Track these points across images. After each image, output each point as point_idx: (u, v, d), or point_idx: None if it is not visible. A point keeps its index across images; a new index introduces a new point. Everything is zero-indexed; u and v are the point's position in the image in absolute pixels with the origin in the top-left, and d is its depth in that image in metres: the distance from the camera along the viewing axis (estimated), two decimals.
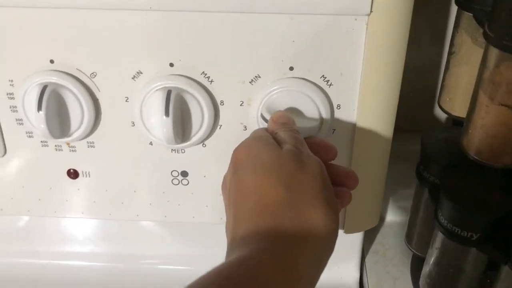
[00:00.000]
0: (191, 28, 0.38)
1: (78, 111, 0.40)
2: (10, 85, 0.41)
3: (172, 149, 0.43)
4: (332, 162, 0.36)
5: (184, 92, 0.39)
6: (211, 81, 0.40)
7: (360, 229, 0.47)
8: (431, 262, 0.46)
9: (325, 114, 0.40)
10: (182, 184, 0.45)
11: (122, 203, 0.46)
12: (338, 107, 0.40)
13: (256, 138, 0.35)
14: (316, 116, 0.40)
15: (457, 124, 0.47)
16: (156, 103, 0.39)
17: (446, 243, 0.43)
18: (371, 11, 0.36)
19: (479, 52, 0.37)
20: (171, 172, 0.44)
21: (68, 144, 0.43)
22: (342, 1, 0.36)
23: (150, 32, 0.38)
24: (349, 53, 0.38)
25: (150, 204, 0.46)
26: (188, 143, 0.42)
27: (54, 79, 0.39)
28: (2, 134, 0.43)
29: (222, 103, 0.40)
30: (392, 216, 0.56)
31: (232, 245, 0.31)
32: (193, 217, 0.46)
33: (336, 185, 0.35)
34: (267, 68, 0.39)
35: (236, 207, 0.32)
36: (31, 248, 0.53)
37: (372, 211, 0.46)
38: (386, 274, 0.53)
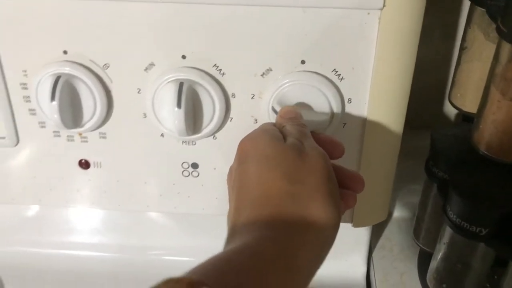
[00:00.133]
0: (204, 21, 0.38)
1: (91, 102, 0.41)
2: (24, 75, 0.41)
3: (183, 141, 0.43)
4: (341, 159, 0.36)
5: (196, 84, 0.39)
6: (223, 74, 0.40)
7: (369, 223, 0.47)
8: (439, 257, 0.46)
9: (336, 108, 0.40)
10: (192, 176, 0.45)
11: (132, 194, 0.46)
12: (349, 101, 0.40)
13: (262, 131, 0.35)
14: (327, 110, 0.40)
15: (467, 120, 0.47)
16: (168, 95, 0.39)
17: (454, 238, 0.43)
18: (384, 5, 0.36)
19: (492, 47, 0.37)
20: (182, 164, 0.44)
21: (80, 134, 0.43)
22: None
23: (163, 24, 0.38)
24: (361, 47, 0.38)
25: (160, 195, 0.46)
26: (199, 135, 0.42)
27: (67, 69, 0.40)
28: (15, 124, 0.43)
29: (233, 96, 0.41)
30: (400, 212, 0.57)
31: (233, 232, 0.31)
32: (203, 209, 0.46)
33: (342, 187, 0.35)
34: (279, 61, 0.39)
35: (239, 197, 0.32)
36: (41, 238, 0.54)
37: (380, 205, 0.46)
38: (393, 269, 0.53)
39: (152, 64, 0.40)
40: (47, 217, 0.52)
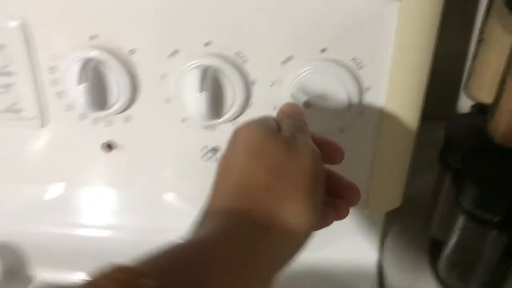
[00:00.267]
0: (227, 8, 0.39)
1: (117, 86, 0.42)
2: (52, 59, 0.43)
3: (203, 126, 0.44)
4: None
5: (219, 70, 0.41)
6: (245, 61, 0.41)
7: (383, 210, 0.48)
8: (451, 245, 0.47)
9: (355, 96, 0.41)
10: (212, 160, 0.46)
11: (153, 177, 0.48)
12: (368, 90, 0.41)
13: (258, 121, 0.34)
14: (346, 98, 0.41)
15: (482, 112, 0.48)
16: (192, 80, 0.40)
17: (467, 226, 0.44)
18: None
19: (509, 39, 0.38)
20: (202, 149, 0.46)
21: (105, 118, 0.45)
22: None
23: (188, 11, 0.39)
24: (381, 36, 0.38)
25: (181, 179, 0.47)
26: (219, 120, 0.43)
27: (94, 54, 0.41)
28: (42, 106, 0.45)
29: (254, 83, 0.42)
30: (413, 200, 0.57)
31: (204, 215, 0.30)
32: None
33: (337, 197, 0.34)
34: (299, 49, 0.40)
35: (219, 182, 0.31)
36: (65, 219, 0.55)
37: (395, 191, 0.47)
38: (405, 256, 0.54)
39: (176, 50, 0.41)
40: (70, 198, 0.53)
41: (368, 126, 0.43)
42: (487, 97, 0.45)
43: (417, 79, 0.41)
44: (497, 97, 0.39)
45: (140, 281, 0.23)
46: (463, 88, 0.47)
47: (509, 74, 0.37)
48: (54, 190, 0.52)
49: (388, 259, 0.54)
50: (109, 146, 0.46)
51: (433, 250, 0.53)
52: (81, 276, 0.23)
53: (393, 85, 0.41)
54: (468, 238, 0.45)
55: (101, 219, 0.56)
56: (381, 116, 0.42)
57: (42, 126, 0.46)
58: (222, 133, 0.45)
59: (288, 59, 0.40)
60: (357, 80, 0.41)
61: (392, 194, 0.47)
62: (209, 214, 0.30)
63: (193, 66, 0.41)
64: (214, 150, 0.46)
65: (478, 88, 0.46)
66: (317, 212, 0.30)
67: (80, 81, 0.41)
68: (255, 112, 0.43)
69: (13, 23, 0.41)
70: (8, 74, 0.43)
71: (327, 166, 0.34)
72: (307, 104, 0.41)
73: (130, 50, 0.41)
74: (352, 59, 0.40)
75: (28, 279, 0.53)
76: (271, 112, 0.43)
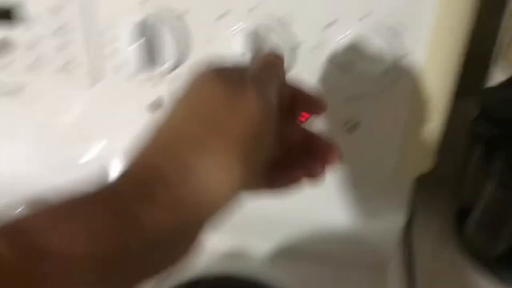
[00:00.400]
0: None
1: (166, 47, 0.44)
2: (106, 20, 0.45)
3: None
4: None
5: (264, 34, 0.43)
6: (288, 25, 0.43)
7: (415, 173, 0.50)
8: (479, 211, 0.48)
9: (392, 62, 0.43)
10: None
11: None
12: (406, 56, 0.43)
13: (224, 68, 0.31)
14: (383, 63, 0.43)
15: None
16: (238, 44, 0.42)
17: (496, 191, 0.46)
18: None
19: None
20: None
21: (153, 79, 0.47)
22: None
23: None
24: (424, 3, 0.40)
25: None
26: None
27: (145, 15, 0.43)
28: (92, 67, 0.47)
29: (297, 47, 0.44)
30: (441, 170, 0.59)
31: (135, 152, 0.28)
32: None
33: (313, 156, 0.32)
34: (343, 13, 0.42)
35: (163, 119, 0.29)
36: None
37: (427, 155, 0.48)
38: (432, 224, 0.56)
39: (225, 14, 0.43)
40: (114, 156, 0.55)
41: (402, 92, 0.44)
42: None
43: (456, 49, 0.42)
44: None
45: None
46: (500, 59, 0.48)
47: None
48: (100, 149, 0.54)
49: (415, 227, 0.56)
50: (156, 106, 0.48)
51: (460, 217, 0.55)
52: None
53: (432, 52, 0.42)
54: (496, 204, 0.47)
55: None
56: (417, 83, 0.44)
57: (91, 86, 0.49)
58: None
59: (332, 23, 0.42)
60: (396, 46, 0.42)
61: (424, 158, 0.48)
62: (136, 153, 0.28)
63: (239, 29, 0.43)
64: None
65: None
66: (251, 171, 0.27)
67: (130, 43, 0.43)
68: (298, 76, 0.45)
69: None
70: (63, 34, 0.46)
71: (308, 124, 0.34)
72: (345, 68, 0.43)
73: (181, 12, 0.43)
74: (393, 26, 0.42)
75: None
76: (313, 76, 0.45)
